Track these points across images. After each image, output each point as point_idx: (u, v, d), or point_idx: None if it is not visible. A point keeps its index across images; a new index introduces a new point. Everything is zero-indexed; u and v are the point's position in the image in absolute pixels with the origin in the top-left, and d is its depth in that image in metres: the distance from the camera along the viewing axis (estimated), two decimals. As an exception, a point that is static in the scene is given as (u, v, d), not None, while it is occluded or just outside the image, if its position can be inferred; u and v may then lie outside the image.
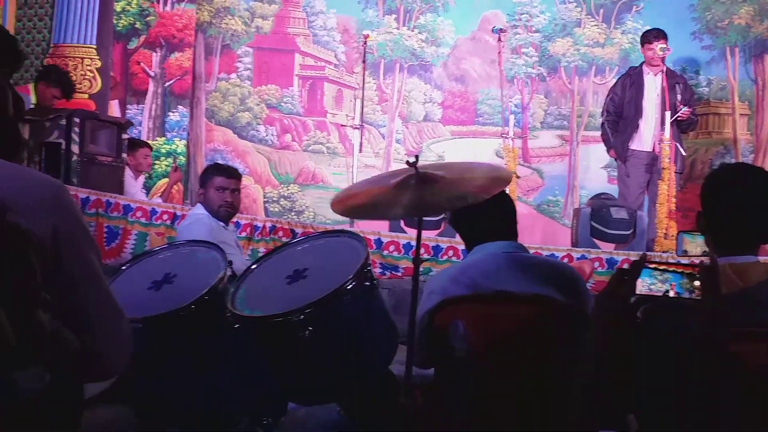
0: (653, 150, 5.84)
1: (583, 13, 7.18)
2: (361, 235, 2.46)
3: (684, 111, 5.65)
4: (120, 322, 1.38)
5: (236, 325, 2.15)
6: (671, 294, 1.53)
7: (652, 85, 5.90)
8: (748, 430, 1.51)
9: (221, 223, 3.87)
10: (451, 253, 4.69)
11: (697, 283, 1.52)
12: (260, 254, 4.61)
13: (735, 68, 6.99)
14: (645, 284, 1.53)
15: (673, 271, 1.57)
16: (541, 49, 7.25)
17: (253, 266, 2.37)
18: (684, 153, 5.74)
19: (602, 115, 6.23)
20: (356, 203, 2.24)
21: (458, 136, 7.34)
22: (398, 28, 7.41)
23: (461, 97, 7.39)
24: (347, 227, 4.79)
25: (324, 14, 7.46)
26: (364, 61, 6.38)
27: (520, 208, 7.07)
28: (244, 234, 4.95)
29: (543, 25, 7.25)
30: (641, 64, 6.04)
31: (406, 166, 2.15)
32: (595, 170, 7.12)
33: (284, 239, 4.86)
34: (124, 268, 2.43)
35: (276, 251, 2.47)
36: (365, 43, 6.32)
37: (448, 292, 2.20)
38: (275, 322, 2.12)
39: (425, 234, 4.82)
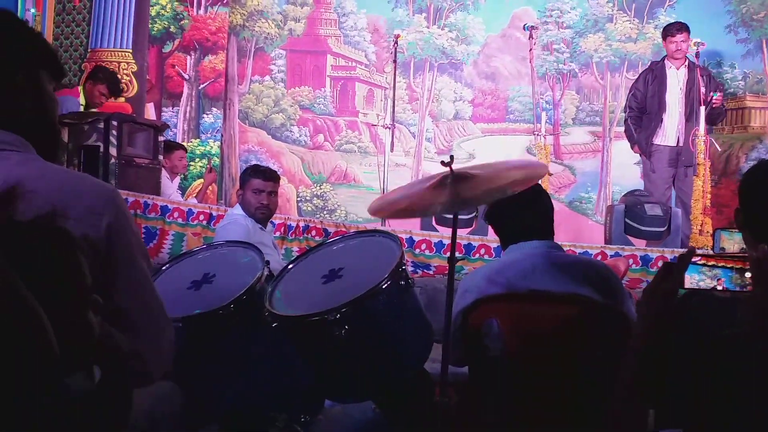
0: (677, 144, 5.79)
1: (615, 9, 7.10)
2: (394, 233, 2.45)
3: (716, 98, 5.55)
4: (166, 327, 1.41)
5: (274, 324, 2.17)
6: (720, 288, 1.54)
7: (675, 78, 5.85)
8: None
9: (258, 224, 3.90)
10: (483, 251, 4.67)
11: (748, 275, 1.50)
12: (294, 253, 4.73)
13: None
14: (693, 280, 1.58)
15: (723, 266, 1.58)
16: (572, 45, 7.19)
17: (290, 266, 2.39)
18: (719, 148, 5.61)
19: (625, 111, 6.19)
20: (395, 208, 2.25)
21: (489, 134, 7.31)
22: (428, 27, 7.40)
23: (492, 94, 7.35)
24: (379, 226, 4.78)
25: (354, 14, 7.49)
26: (395, 61, 6.38)
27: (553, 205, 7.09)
28: (278, 233, 4.98)
29: (574, 21, 7.18)
30: (663, 58, 5.98)
31: (441, 166, 2.16)
32: (627, 166, 7.01)
33: (317, 238, 4.90)
34: (164, 268, 2.47)
35: (312, 251, 2.48)
36: (396, 43, 6.32)
37: (484, 291, 2.19)
38: (312, 321, 2.13)
39: (459, 232, 4.94)
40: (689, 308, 1.51)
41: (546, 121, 6.52)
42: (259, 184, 3.88)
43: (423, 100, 7.43)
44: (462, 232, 4.99)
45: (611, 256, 4.58)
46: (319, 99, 7.52)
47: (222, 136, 7.30)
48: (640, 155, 6.10)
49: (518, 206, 2.27)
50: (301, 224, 5.11)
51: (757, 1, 6.85)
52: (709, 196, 5.53)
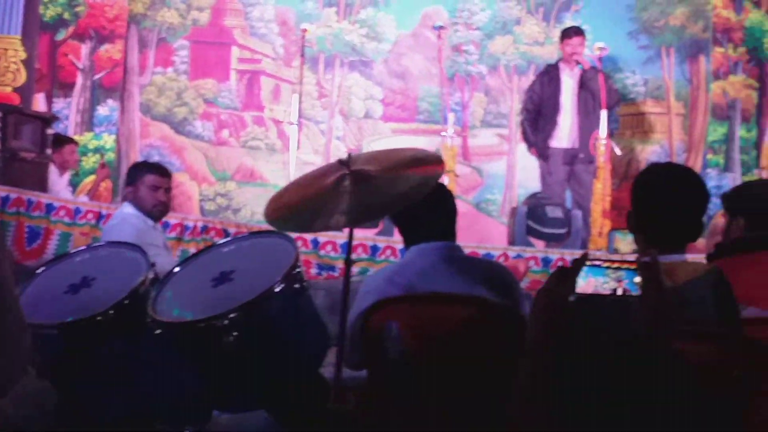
0: (572, 146, 5.92)
1: (523, 12, 7.19)
2: (292, 235, 2.38)
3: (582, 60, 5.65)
4: (20, 334, 1.28)
5: (157, 332, 2.08)
6: (619, 292, 1.50)
7: (570, 81, 5.96)
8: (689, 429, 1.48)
9: (150, 223, 3.73)
10: (389, 252, 4.65)
11: (637, 279, 1.50)
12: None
13: (671, 68, 7.08)
14: (598, 282, 1.50)
15: (627, 269, 1.54)
16: (481, 47, 7.22)
17: (177, 269, 2.28)
18: (619, 152, 5.76)
19: (521, 114, 6.27)
20: (295, 214, 2.22)
21: (399, 134, 7.26)
22: (338, 22, 7.30)
23: (402, 94, 7.31)
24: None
25: (262, 5, 7.29)
26: (302, 56, 6.28)
27: (460, 207, 6.97)
28: (173, 234, 4.84)
29: (483, 23, 7.22)
30: (557, 61, 6.09)
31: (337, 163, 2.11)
32: (532, 169, 6.99)
33: (216, 239, 4.77)
34: (39, 271, 2.32)
35: (201, 253, 2.39)
36: (303, 37, 6.21)
37: (383, 293, 2.18)
38: (198, 327, 2.05)
39: (362, 233, 4.83)
40: (583, 313, 1.52)
41: (454, 123, 6.57)
42: (156, 180, 3.73)
43: (333, 97, 7.33)
44: (368, 233, 4.93)
45: (513, 258, 4.68)
46: (224, 92, 7.32)
47: (118, 129, 7.01)
48: (537, 158, 6.18)
49: (422, 207, 2.26)
50: (199, 224, 4.97)
51: (658, 9, 7.05)
52: (609, 198, 5.65)
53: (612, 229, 4.65)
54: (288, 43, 7.21)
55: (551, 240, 5.31)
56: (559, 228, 5.29)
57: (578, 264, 1.51)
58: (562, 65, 6.04)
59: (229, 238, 2.52)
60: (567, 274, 1.50)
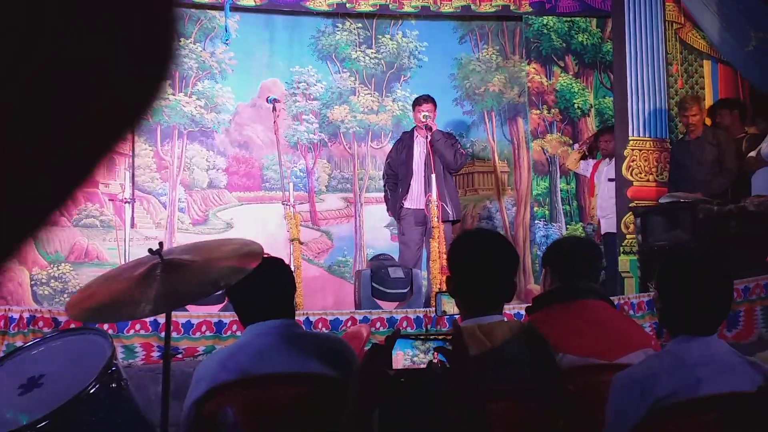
0: (422, 207, 5.55)
1: (357, 83, 6.69)
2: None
3: (430, 134, 5.35)
4: None
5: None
6: (435, 361, 1.47)
7: (421, 146, 5.62)
8: None
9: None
10: (235, 327, 4.05)
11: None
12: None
13: (493, 130, 6.85)
14: (408, 356, 1.38)
15: (434, 339, 1.52)
16: (320, 116, 6.62)
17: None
18: (450, 211, 5.41)
19: (383, 179, 5.90)
20: (96, 304, 1.81)
21: (245, 202, 6.41)
22: (174, 94, 6.35)
23: (246, 163, 6.48)
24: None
25: None
26: (132, 133, 5.08)
27: (312, 271, 6.30)
28: None
29: (320, 93, 6.64)
30: (413, 128, 5.74)
31: (148, 254, 1.88)
32: (379, 229, 6.60)
33: (46, 330, 3.91)
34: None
35: (6, 358, 2.05)
36: None
37: (217, 379, 1.93)
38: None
39: (208, 310, 4.26)
40: (400, 387, 1.44)
41: (301, 189, 6.23)
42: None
43: (173, 169, 6.33)
44: (213, 309, 4.29)
45: (360, 321, 4.35)
46: (53, 171, 5.90)
47: None
48: (394, 218, 5.82)
49: (256, 284, 2.00)
50: (26, 315, 4.01)
51: (478, 78, 6.86)
52: (445, 256, 4.95)
53: (438, 292, 4.00)
54: None
55: (395, 300, 4.97)
56: (401, 288, 4.99)
57: (392, 339, 1.47)
58: (415, 132, 5.68)
59: (37, 339, 2.17)
60: (381, 349, 1.45)
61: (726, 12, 5.43)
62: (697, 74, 5.86)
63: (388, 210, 5.84)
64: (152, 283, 1.79)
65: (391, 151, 5.81)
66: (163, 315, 3.72)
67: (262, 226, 6.14)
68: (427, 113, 5.41)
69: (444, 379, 1.44)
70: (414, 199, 5.51)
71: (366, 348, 3.70)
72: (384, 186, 5.82)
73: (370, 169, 6.60)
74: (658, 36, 5.69)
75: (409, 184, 5.53)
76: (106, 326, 3.90)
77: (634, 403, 1.71)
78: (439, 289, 4.81)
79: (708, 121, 5.45)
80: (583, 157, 6.23)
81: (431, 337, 1.54)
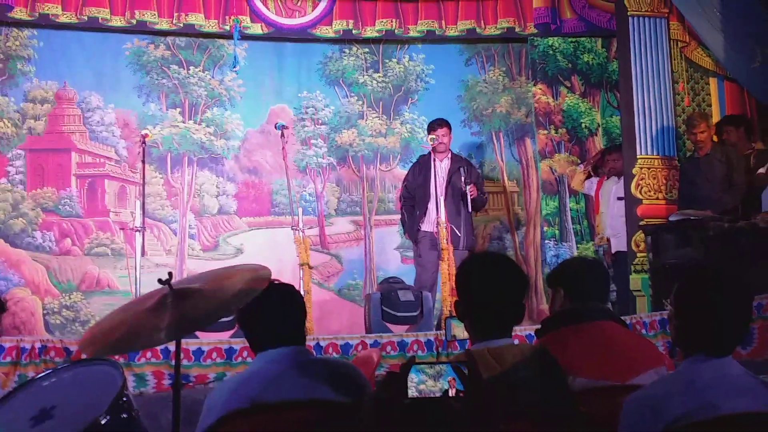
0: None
1: (364, 107, 6.73)
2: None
3: (470, 189, 5.45)
4: None
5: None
6: (451, 392, 1.45)
7: (439, 169, 5.67)
8: None
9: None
10: (245, 354, 4.06)
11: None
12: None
13: (502, 151, 6.86)
14: (413, 383, 1.43)
15: (446, 364, 1.49)
16: (329, 140, 6.66)
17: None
18: (459, 234, 5.43)
19: (399, 201, 6.00)
20: (111, 339, 1.80)
21: (255, 228, 6.44)
22: (184, 122, 6.42)
23: (255, 188, 6.51)
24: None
25: (102, 110, 6.28)
26: (143, 162, 5.23)
27: (323, 295, 6.31)
28: (8, 359, 3.91)
29: (329, 118, 6.68)
30: (430, 152, 5.76)
31: (158, 283, 1.88)
32: (389, 252, 6.61)
33: (57, 360, 3.93)
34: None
35: (18, 390, 2.06)
36: (144, 142, 5.25)
37: (228, 407, 1.93)
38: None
39: (219, 336, 4.28)
40: (414, 416, 1.44)
41: (311, 213, 6.25)
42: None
43: (183, 196, 6.37)
44: (223, 336, 4.31)
45: (371, 345, 4.41)
46: (65, 200, 6.06)
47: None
48: (410, 240, 5.87)
49: (266, 311, 2.03)
50: (37, 345, 4.01)
51: (485, 99, 6.87)
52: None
53: (449, 317, 4.01)
54: (131, 145, 6.23)
55: (406, 323, 4.96)
56: (411, 311, 4.99)
57: (407, 367, 1.47)
58: (432, 155, 5.73)
59: (48, 371, 2.14)
60: (396, 377, 1.45)
61: (731, 29, 5.46)
62: (703, 92, 5.88)
63: (405, 232, 5.89)
64: (164, 312, 1.80)
65: (408, 174, 5.85)
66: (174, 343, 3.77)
67: (272, 250, 6.16)
68: (434, 138, 5.55)
69: (460, 405, 1.44)
70: (431, 222, 5.53)
71: (377, 373, 3.71)
72: (401, 208, 5.87)
73: (379, 191, 6.63)
74: (664, 54, 5.72)
75: (427, 207, 5.56)
76: (117, 355, 3.92)
77: (646, 425, 1.70)
78: (450, 313, 4.82)
79: (715, 138, 5.45)
80: (588, 177, 6.25)
81: (444, 362, 1.49)
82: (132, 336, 1.81)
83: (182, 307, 1.80)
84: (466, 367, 1.46)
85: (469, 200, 5.40)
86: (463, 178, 5.50)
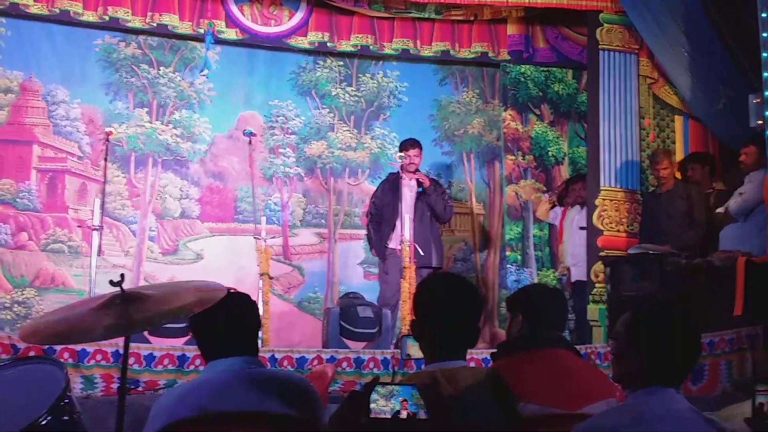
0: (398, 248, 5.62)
1: (336, 119, 6.74)
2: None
3: (420, 177, 5.61)
4: None
5: None
6: (403, 414, 1.45)
7: (407, 188, 5.72)
8: None
9: None
10: (198, 362, 4.00)
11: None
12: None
13: (472, 172, 6.93)
14: (377, 403, 1.45)
15: (402, 384, 1.50)
16: (298, 150, 6.64)
17: None
18: (422, 253, 5.42)
19: (367, 217, 6.00)
20: (53, 331, 1.84)
21: (217, 234, 6.37)
22: (151, 122, 6.34)
23: (219, 193, 6.45)
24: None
25: (67, 104, 6.15)
26: (105, 159, 5.14)
27: (282, 306, 6.27)
28: None
29: (299, 128, 6.67)
30: (399, 170, 5.79)
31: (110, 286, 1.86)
32: (352, 267, 6.60)
33: (4, 356, 3.84)
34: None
35: None
36: (107, 140, 5.19)
37: (174, 415, 1.92)
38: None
39: (172, 342, 4.24)
40: None
41: (275, 222, 6.22)
42: None
43: (145, 197, 6.28)
44: (176, 342, 4.27)
45: (327, 360, 4.38)
46: (23, 193, 5.94)
47: None
48: (377, 257, 5.88)
49: (220, 319, 2.00)
50: None
51: (457, 119, 6.94)
52: None
53: (404, 335, 4.03)
54: (95, 142, 6.15)
55: (364, 340, 4.96)
56: (370, 327, 4.99)
57: (369, 387, 1.48)
58: (401, 174, 5.76)
59: None
60: (359, 397, 1.46)
61: (697, 70, 5.63)
62: (668, 128, 6.04)
63: (371, 248, 5.91)
64: (109, 312, 1.81)
65: (376, 191, 5.89)
66: (116, 346, 3.70)
67: (232, 258, 6.11)
68: (402, 156, 5.60)
69: (421, 426, 1.44)
70: (399, 240, 5.51)
71: (330, 389, 3.69)
72: (368, 224, 5.89)
73: (346, 205, 6.62)
74: (632, 89, 5.87)
75: (394, 225, 5.59)
76: (66, 355, 3.84)
77: (593, 455, 1.73)
78: (407, 331, 4.83)
79: (678, 175, 5.59)
80: (553, 207, 6.35)
81: (408, 384, 1.49)
82: (71, 329, 1.82)
83: (128, 309, 1.81)
84: (429, 388, 1.48)
85: (418, 187, 5.46)
86: (432, 197, 5.59)
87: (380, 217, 5.74)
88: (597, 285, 5.62)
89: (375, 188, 6.03)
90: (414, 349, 4.11)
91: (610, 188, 5.79)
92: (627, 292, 4.84)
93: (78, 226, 5.80)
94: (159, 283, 1.86)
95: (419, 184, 5.66)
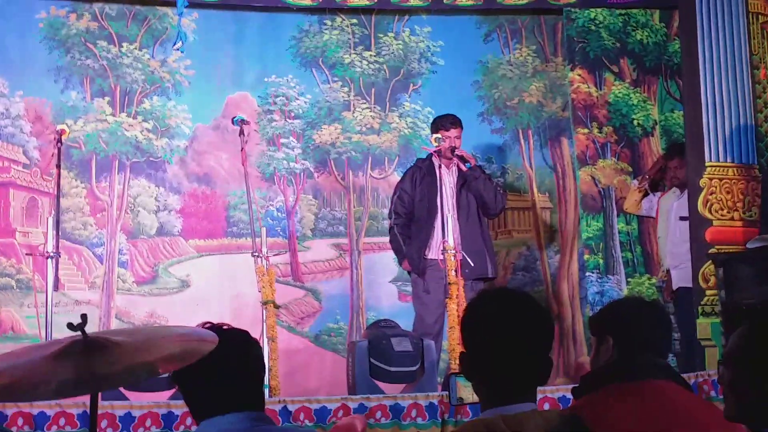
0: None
1: (351, 95, 6.80)
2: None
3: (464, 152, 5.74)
4: None
5: None
6: None
7: (447, 179, 5.75)
8: None
9: None
10: (189, 421, 4.08)
11: None
12: None
13: (530, 154, 6.94)
14: None
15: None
16: (304, 138, 6.71)
17: None
18: (472, 264, 5.44)
19: (389, 218, 5.97)
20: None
21: (205, 253, 6.48)
22: (114, 115, 6.45)
23: (206, 201, 6.55)
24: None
25: (6, 98, 6.30)
26: (58, 166, 5.24)
27: (294, 343, 6.35)
28: None
29: (304, 110, 6.74)
30: (430, 156, 5.84)
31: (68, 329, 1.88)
32: (383, 286, 6.64)
33: None
34: None
35: None
36: (60, 141, 5.28)
37: None
38: None
39: (153, 398, 4.34)
40: None
41: (279, 234, 6.32)
42: None
43: (112, 211, 6.38)
44: (160, 398, 4.35)
45: (355, 410, 4.38)
46: (-44, 215, 6.06)
47: None
48: (410, 273, 5.88)
49: (212, 366, 1.98)
50: None
51: (510, 86, 6.94)
52: None
53: (451, 374, 4.06)
54: (45, 144, 6.32)
55: (401, 381, 4.97)
56: (408, 365, 4.97)
57: None
58: (436, 160, 5.75)
59: None
60: None
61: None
62: (791, 80, 5.96)
63: (401, 261, 5.91)
64: (66, 363, 1.81)
65: (402, 183, 5.89)
66: (83, 406, 3.83)
67: (226, 283, 6.20)
68: (457, 139, 5.66)
69: None
70: (440, 247, 5.48)
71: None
72: (390, 228, 5.88)
73: (370, 206, 6.68)
74: (740, 32, 5.79)
75: (434, 227, 5.61)
76: (20, 422, 3.92)
77: None
78: (456, 368, 4.84)
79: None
80: (645, 195, 6.27)
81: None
82: (14, 383, 1.82)
83: (90, 360, 1.81)
84: None
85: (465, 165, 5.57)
86: (481, 189, 5.62)
87: (409, 217, 5.75)
88: (708, 292, 5.56)
89: (400, 181, 6.00)
90: (466, 391, 4.12)
91: (718, 164, 5.72)
92: (747, 300, 4.80)
93: (28, 254, 5.92)
94: (133, 328, 1.90)
95: (462, 160, 5.64)
